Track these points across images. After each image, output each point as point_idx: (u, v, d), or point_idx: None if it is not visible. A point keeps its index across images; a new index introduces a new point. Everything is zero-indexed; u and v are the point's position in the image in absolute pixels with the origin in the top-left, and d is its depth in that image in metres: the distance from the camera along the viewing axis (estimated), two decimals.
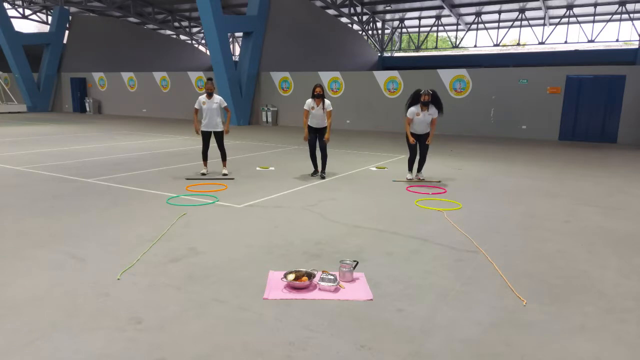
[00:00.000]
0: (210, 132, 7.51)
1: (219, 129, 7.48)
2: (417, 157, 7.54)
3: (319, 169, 7.60)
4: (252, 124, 19.32)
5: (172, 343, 2.53)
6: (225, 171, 7.53)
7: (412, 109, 7.16)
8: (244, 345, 2.52)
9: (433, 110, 7.18)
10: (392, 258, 3.92)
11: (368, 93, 17.23)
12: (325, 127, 7.35)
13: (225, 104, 7.55)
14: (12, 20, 23.99)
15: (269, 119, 18.84)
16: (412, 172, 7.58)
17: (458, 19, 28.10)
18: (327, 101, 7.32)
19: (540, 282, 3.44)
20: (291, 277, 3.29)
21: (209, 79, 7.41)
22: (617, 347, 2.57)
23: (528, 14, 26.40)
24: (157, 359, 2.38)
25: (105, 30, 27.08)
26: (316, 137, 7.45)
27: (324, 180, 7.31)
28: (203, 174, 7.48)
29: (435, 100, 7.13)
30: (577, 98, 14.00)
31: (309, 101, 7.28)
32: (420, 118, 7.19)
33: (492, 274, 3.58)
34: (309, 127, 7.40)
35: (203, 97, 7.42)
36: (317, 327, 2.73)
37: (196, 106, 7.55)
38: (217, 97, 7.44)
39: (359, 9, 27.29)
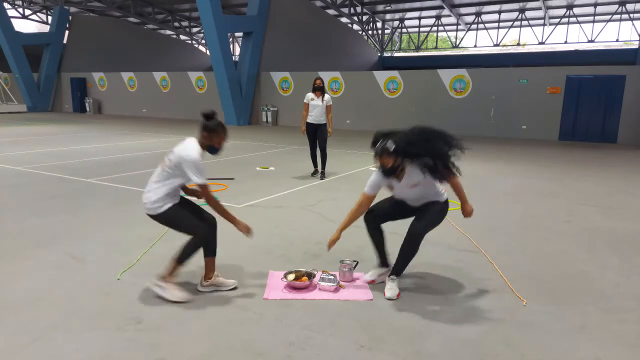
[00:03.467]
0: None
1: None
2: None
3: (319, 168, 7.60)
4: (252, 124, 19.32)
5: (172, 343, 2.53)
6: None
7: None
8: (244, 345, 2.52)
9: (415, 175, 3.13)
10: (392, 258, 3.91)
11: (368, 93, 17.23)
12: (324, 124, 7.36)
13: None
14: (12, 20, 23.98)
15: (269, 119, 18.84)
16: (387, 264, 3.52)
17: (458, 19, 28.10)
18: (327, 95, 7.34)
19: (540, 282, 3.44)
20: (291, 277, 3.29)
21: None
22: (617, 347, 2.57)
23: (528, 14, 26.40)
24: (157, 359, 2.38)
25: (105, 30, 27.08)
26: (315, 137, 7.45)
27: (324, 180, 7.31)
28: None
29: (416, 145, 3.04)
30: (577, 98, 14.00)
31: (309, 94, 7.31)
32: (402, 187, 3.23)
33: (492, 274, 3.58)
34: (308, 124, 7.42)
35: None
36: (317, 327, 2.72)
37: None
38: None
39: (359, 9, 27.29)
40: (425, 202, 3.26)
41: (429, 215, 3.21)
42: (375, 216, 3.38)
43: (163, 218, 3.14)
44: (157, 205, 3.09)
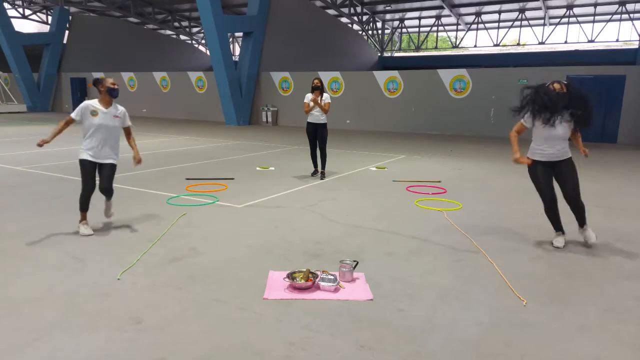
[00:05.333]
0: (95, 165, 4.49)
1: (112, 161, 4.53)
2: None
3: (319, 168, 7.60)
4: (252, 124, 19.32)
5: (172, 343, 2.53)
6: (109, 213, 4.72)
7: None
8: (244, 345, 2.52)
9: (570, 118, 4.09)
10: (392, 258, 3.92)
11: (368, 93, 17.23)
12: (324, 124, 7.39)
13: (129, 123, 4.69)
14: (12, 20, 23.98)
15: (269, 119, 18.84)
16: (562, 231, 4.33)
17: (458, 19, 28.10)
18: (326, 94, 7.36)
19: (540, 282, 3.44)
20: (298, 277, 3.28)
21: None
22: (617, 347, 2.57)
23: (528, 14, 26.39)
24: (157, 359, 2.38)
25: (105, 30, 27.08)
26: (315, 137, 7.45)
27: (324, 180, 7.31)
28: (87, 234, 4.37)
29: (576, 100, 4.02)
30: None
31: (309, 95, 7.33)
32: (550, 131, 4.13)
33: (492, 274, 3.58)
34: (308, 124, 7.44)
35: (95, 104, 4.44)
36: (317, 327, 2.72)
37: (74, 116, 4.40)
38: (120, 108, 4.58)
39: (359, 9, 27.29)
40: (562, 156, 4.21)
41: (571, 180, 4.20)
42: (552, 205, 4.28)
43: (115, 168, 4.62)
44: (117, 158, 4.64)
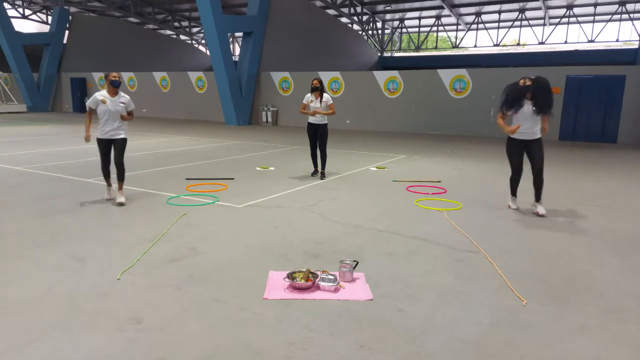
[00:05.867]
0: (108, 143, 5.63)
1: (122, 135, 5.64)
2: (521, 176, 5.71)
3: (319, 168, 7.60)
4: (252, 124, 19.32)
5: (172, 343, 2.53)
6: (120, 199, 5.53)
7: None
8: (244, 345, 2.52)
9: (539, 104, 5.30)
10: (392, 258, 3.92)
11: (368, 93, 17.23)
12: (325, 124, 7.38)
13: (133, 107, 5.79)
14: (12, 20, 23.98)
15: (269, 119, 18.84)
16: (516, 196, 5.78)
17: (458, 19, 28.09)
18: (326, 95, 7.30)
19: (540, 282, 3.44)
20: (298, 277, 3.28)
21: None
22: (617, 347, 2.57)
23: (528, 14, 26.39)
24: (157, 359, 2.38)
25: (105, 30, 27.07)
26: (316, 137, 7.46)
27: (324, 180, 7.31)
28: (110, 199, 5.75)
29: (539, 89, 5.32)
30: (577, 98, 13.99)
31: (308, 95, 7.31)
32: (519, 113, 5.31)
33: (492, 274, 3.58)
34: (308, 124, 7.43)
35: (104, 94, 5.48)
36: (317, 327, 2.72)
37: (92, 106, 5.50)
38: (125, 96, 5.65)
39: (359, 9, 27.29)
40: (534, 138, 5.35)
41: (538, 154, 5.36)
42: (517, 174, 5.62)
43: (126, 142, 5.66)
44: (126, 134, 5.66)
